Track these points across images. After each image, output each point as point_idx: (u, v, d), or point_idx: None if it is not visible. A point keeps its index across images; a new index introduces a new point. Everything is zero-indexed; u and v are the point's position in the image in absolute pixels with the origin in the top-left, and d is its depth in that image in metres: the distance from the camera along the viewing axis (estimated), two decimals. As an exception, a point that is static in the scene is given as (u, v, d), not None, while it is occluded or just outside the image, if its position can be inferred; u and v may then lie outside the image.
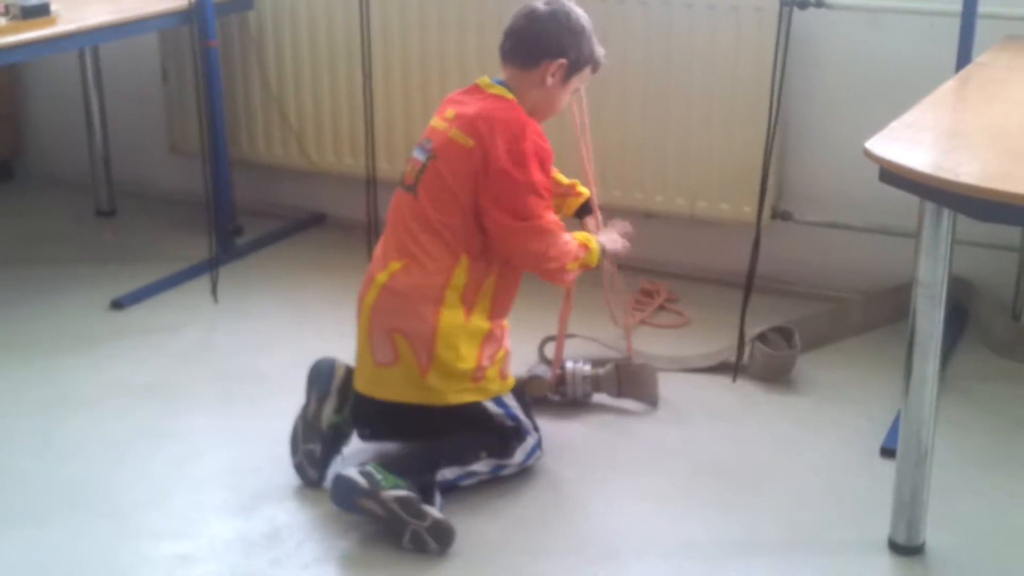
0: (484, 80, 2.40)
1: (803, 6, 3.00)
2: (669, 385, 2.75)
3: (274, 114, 3.76)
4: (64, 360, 2.94)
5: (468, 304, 2.32)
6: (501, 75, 2.41)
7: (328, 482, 2.29)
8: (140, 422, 2.65)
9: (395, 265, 2.32)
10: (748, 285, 2.75)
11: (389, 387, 2.33)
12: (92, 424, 2.64)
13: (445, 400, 2.32)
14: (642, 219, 3.41)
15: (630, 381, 2.71)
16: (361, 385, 2.37)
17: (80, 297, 3.30)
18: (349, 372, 2.42)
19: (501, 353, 2.40)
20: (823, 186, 3.22)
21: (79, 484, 2.40)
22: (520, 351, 2.92)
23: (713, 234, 3.35)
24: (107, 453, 2.51)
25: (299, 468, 2.37)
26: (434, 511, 2.17)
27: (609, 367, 2.71)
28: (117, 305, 3.24)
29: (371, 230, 3.43)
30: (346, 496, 2.20)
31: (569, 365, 2.69)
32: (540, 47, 2.36)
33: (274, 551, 2.19)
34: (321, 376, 2.41)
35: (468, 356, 2.32)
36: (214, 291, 3.23)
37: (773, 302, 2.94)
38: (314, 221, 3.87)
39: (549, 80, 2.37)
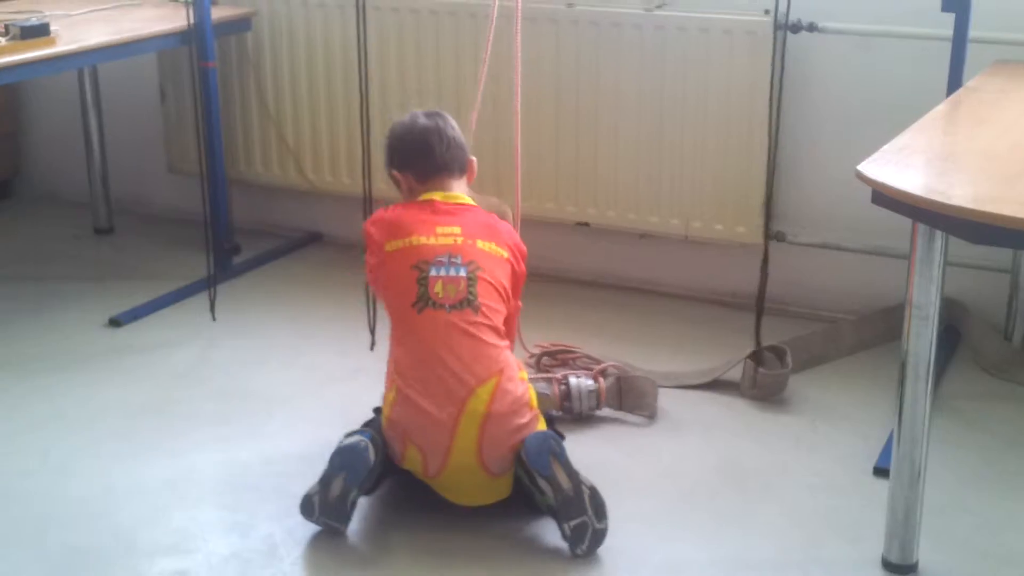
0: (451, 196, 2.46)
1: (795, 30, 3.04)
2: (664, 402, 2.77)
3: (271, 134, 3.79)
4: (62, 377, 2.96)
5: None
6: (456, 186, 2.50)
7: (531, 436, 2.27)
8: (138, 439, 2.66)
9: (484, 391, 2.27)
10: (760, 301, 2.79)
11: (508, 487, 2.34)
12: (90, 441, 2.65)
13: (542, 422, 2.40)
14: (637, 239, 3.44)
15: (631, 393, 2.74)
16: (473, 499, 2.34)
17: (78, 315, 3.32)
18: (379, 453, 2.32)
19: None
20: (816, 208, 3.24)
21: (76, 501, 2.41)
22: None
23: (707, 254, 3.37)
24: (105, 470, 2.52)
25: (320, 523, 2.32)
26: (608, 520, 2.20)
27: (611, 380, 2.73)
28: (115, 323, 3.26)
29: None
30: (547, 454, 2.21)
31: (573, 381, 2.71)
32: (463, 149, 2.52)
33: (271, 568, 2.20)
34: (356, 462, 2.27)
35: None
36: (212, 309, 3.24)
37: (766, 322, 2.96)
38: (311, 240, 3.89)
39: (471, 177, 2.54)
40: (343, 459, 2.26)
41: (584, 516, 2.19)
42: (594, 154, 3.36)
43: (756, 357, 2.86)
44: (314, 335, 3.20)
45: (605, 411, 2.74)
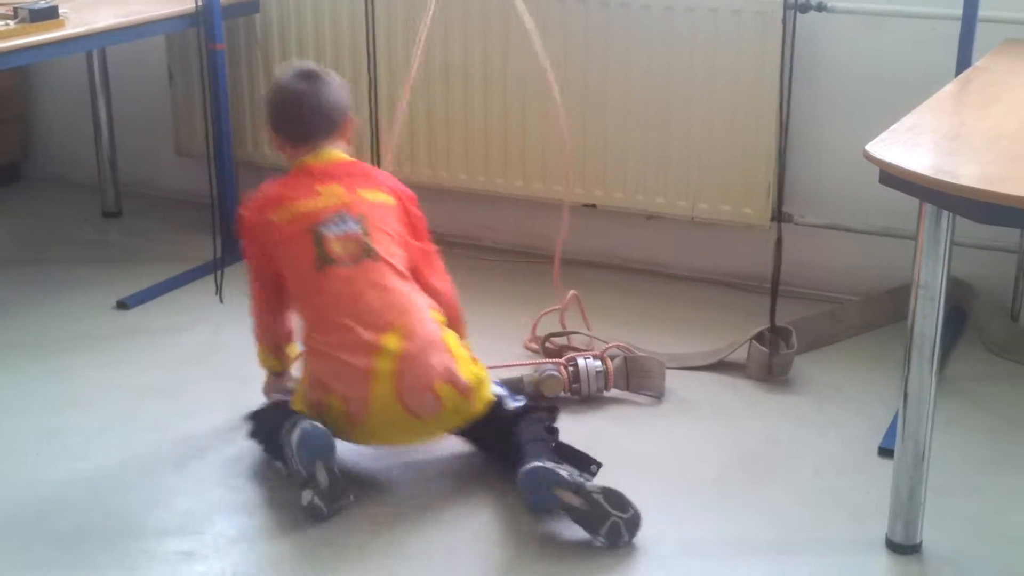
0: (322, 155, 2.48)
1: (804, 10, 3.02)
2: (671, 382, 2.78)
3: (279, 116, 3.78)
4: (70, 360, 2.97)
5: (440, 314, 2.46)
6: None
7: (521, 474, 2.23)
8: (146, 421, 2.67)
9: (392, 339, 2.32)
10: (775, 282, 2.79)
11: (441, 425, 2.40)
12: (98, 423, 2.66)
13: (487, 399, 2.42)
14: (644, 221, 3.44)
15: (639, 374, 2.74)
16: (405, 440, 2.43)
17: (86, 297, 3.33)
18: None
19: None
20: (823, 188, 3.24)
21: (85, 482, 2.42)
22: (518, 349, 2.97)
23: (714, 236, 3.37)
24: (113, 452, 2.53)
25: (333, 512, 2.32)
26: (633, 503, 2.19)
27: (618, 361, 2.74)
28: (123, 305, 3.27)
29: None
30: (547, 487, 2.19)
31: (581, 362, 2.71)
32: (338, 110, 2.51)
33: (278, 549, 2.21)
34: (322, 442, 2.27)
35: (474, 359, 2.45)
36: (219, 292, 3.25)
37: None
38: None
39: (349, 134, 2.56)
40: (309, 447, 2.26)
41: (609, 519, 2.18)
42: (602, 135, 3.36)
43: (762, 338, 2.85)
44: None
45: (613, 392, 2.74)
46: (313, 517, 2.27)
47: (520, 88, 3.41)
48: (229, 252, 3.53)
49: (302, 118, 2.49)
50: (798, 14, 3.04)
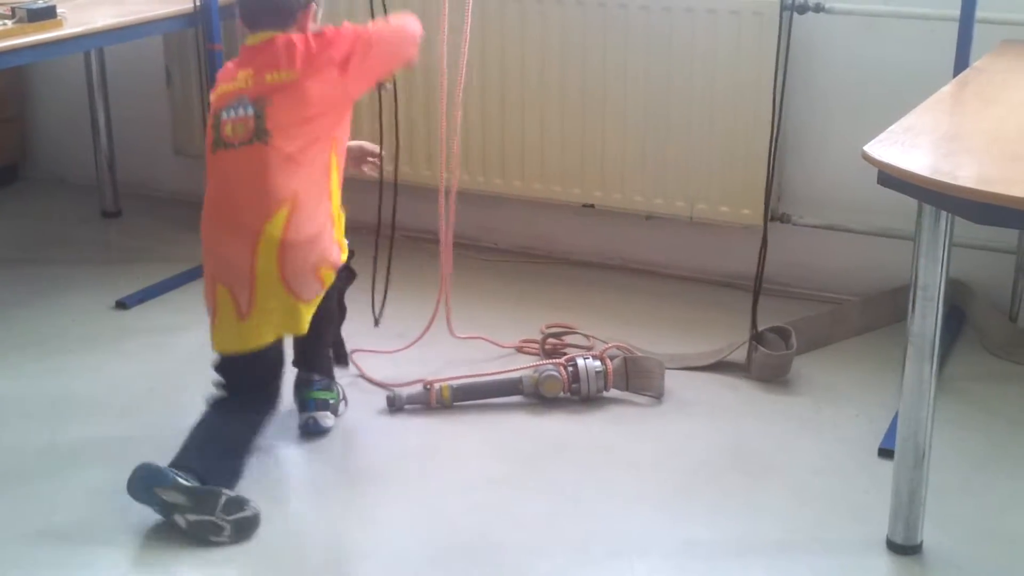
0: (261, 35, 2.42)
1: (802, 11, 3.03)
2: (670, 383, 2.78)
3: (278, 116, 3.78)
4: (69, 360, 2.97)
5: (333, 200, 2.45)
6: None
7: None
8: (144, 422, 2.67)
9: (274, 225, 2.32)
10: (757, 283, 2.79)
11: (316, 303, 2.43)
12: (96, 424, 2.66)
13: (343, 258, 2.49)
14: (642, 221, 3.44)
15: (638, 374, 2.74)
16: (296, 329, 2.41)
17: (85, 298, 3.33)
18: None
19: None
20: (822, 189, 3.24)
21: (84, 483, 2.42)
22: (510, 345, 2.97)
23: (712, 236, 3.37)
24: (111, 452, 2.53)
25: None
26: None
27: (617, 361, 2.74)
28: (122, 306, 3.27)
29: (385, 233, 3.44)
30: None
31: (580, 363, 2.71)
32: (289, 5, 2.44)
33: (275, 548, 2.21)
34: (147, 473, 2.25)
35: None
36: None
37: (771, 303, 2.96)
38: (317, 223, 3.89)
39: (310, 26, 2.47)
40: (136, 486, 2.25)
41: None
42: (600, 136, 3.36)
43: (761, 339, 2.86)
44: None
45: (612, 392, 2.75)
46: (214, 538, 2.22)
47: (518, 88, 3.42)
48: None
49: (252, 2, 2.45)
50: (796, 15, 3.04)
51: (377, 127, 3.45)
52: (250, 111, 2.36)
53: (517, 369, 2.79)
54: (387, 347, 2.95)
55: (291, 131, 2.36)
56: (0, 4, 3.09)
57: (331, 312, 2.60)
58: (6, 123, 4.28)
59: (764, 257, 2.82)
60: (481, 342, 3.01)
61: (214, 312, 2.40)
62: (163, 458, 2.50)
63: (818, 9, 3.03)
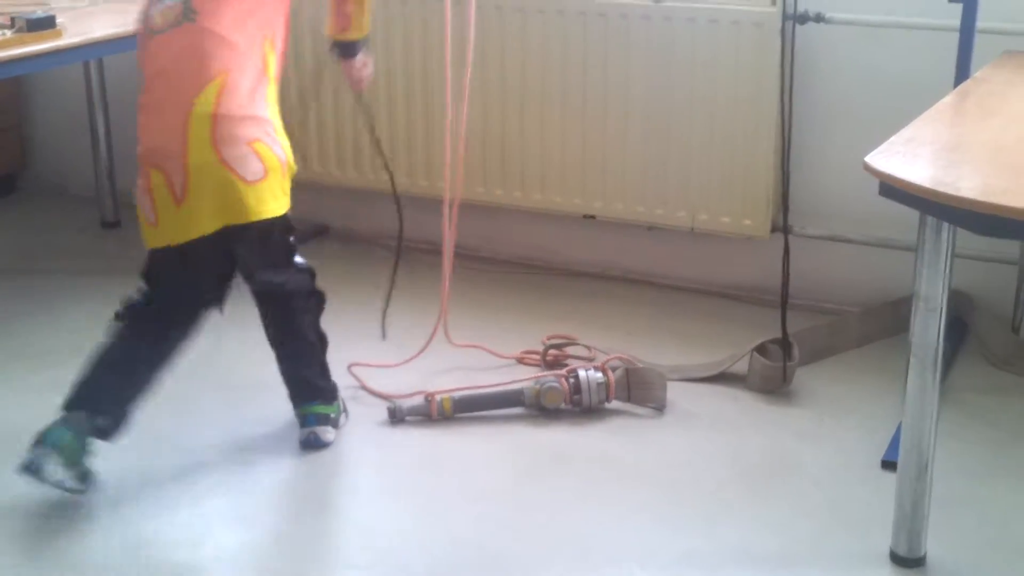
0: None
1: (803, 21, 3.03)
2: (672, 394, 2.77)
3: (278, 127, 3.78)
4: (70, 372, 2.93)
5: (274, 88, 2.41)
6: None
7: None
8: (146, 433, 2.65)
9: (206, 97, 2.29)
10: (784, 293, 2.79)
11: (266, 202, 2.36)
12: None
13: (288, 203, 2.43)
14: (644, 232, 3.43)
15: (640, 385, 2.73)
16: (238, 215, 2.33)
17: (86, 309, 3.31)
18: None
19: None
20: (823, 200, 3.24)
21: (85, 493, 2.41)
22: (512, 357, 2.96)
23: (714, 247, 3.37)
24: (113, 463, 2.52)
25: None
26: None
27: (619, 372, 2.73)
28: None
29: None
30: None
31: (582, 374, 2.71)
32: None
33: (276, 561, 2.20)
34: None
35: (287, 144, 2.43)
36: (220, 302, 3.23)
37: (773, 314, 2.95)
38: (317, 233, 3.88)
39: None
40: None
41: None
42: (601, 146, 3.36)
43: (763, 350, 2.85)
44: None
45: (614, 404, 2.74)
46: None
47: (518, 98, 3.41)
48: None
49: None
50: (797, 25, 3.04)
51: (375, 137, 3.46)
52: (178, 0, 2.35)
53: (518, 380, 2.78)
54: (387, 358, 2.95)
55: (218, 10, 2.33)
56: None
57: (307, 345, 2.57)
58: (5, 133, 4.27)
59: (788, 267, 2.80)
60: (481, 352, 3.00)
61: (151, 204, 2.34)
62: (164, 468, 2.50)
63: (819, 19, 3.03)
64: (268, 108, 2.37)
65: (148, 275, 2.43)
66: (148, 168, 2.34)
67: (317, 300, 2.60)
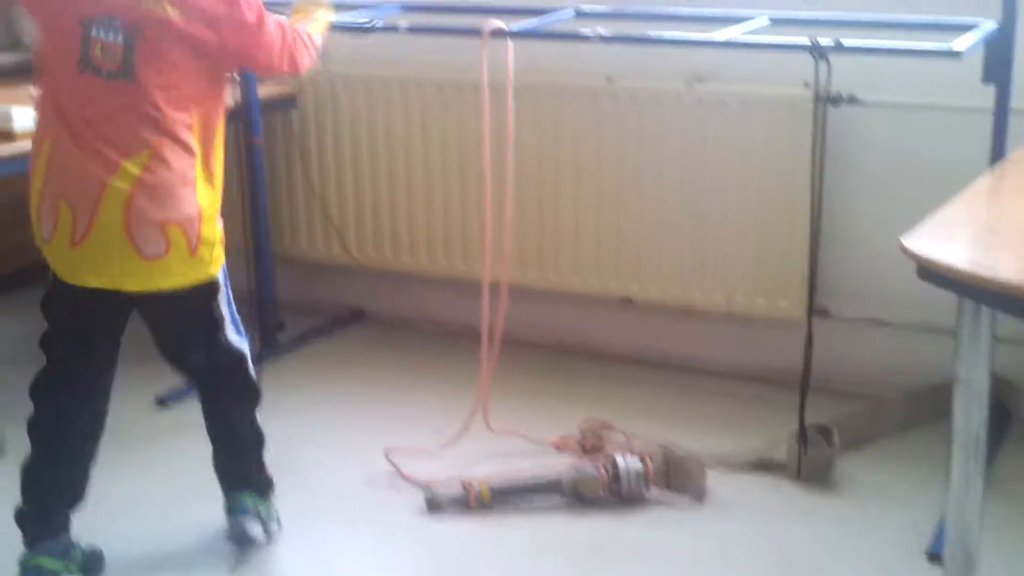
0: None
1: (836, 103, 3.02)
2: (711, 482, 2.73)
3: (316, 210, 3.82)
4: (109, 458, 2.93)
5: (208, 171, 2.32)
6: None
7: None
8: (183, 520, 2.65)
9: (132, 166, 2.21)
10: (805, 380, 2.75)
11: (163, 276, 2.29)
12: (137, 522, 2.65)
13: (210, 273, 2.34)
14: (680, 315, 3.41)
15: (679, 473, 2.70)
16: (126, 282, 2.28)
17: (124, 394, 3.29)
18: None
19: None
20: (860, 282, 3.21)
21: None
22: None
23: (751, 330, 3.34)
24: (152, 551, 2.51)
25: None
26: None
27: (658, 460, 2.70)
28: (161, 403, 3.27)
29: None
30: None
31: (620, 461, 2.67)
32: None
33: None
34: None
35: (216, 225, 2.35)
36: (255, 359, 3.23)
37: (811, 400, 2.91)
38: (354, 317, 3.90)
39: None
40: None
41: None
42: (637, 229, 3.36)
43: (802, 437, 2.81)
44: (355, 412, 3.20)
45: (653, 492, 2.70)
46: None
47: (553, 181, 3.42)
48: (268, 346, 3.56)
49: None
50: (830, 107, 3.03)
51: (410, 221, 3.48)
52: (120, 39, 2.19)
53: (556, 468, 2.75)
54: (423, 443, 2.93)
55: (156, 76, 2.21)
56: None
57: (236, 439, 2.52)
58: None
59: (810, 354, 2.77)
60: (518, 437, 2.98)
61: (52, 227, 2.27)
62: (202, 557, 2.49)
63: (852, 101, 3.03)
64: (194, 189, 2.29)
65: (46, 315, 2.39)
66: (59, 199, 2.26)
67: (252, 392, 2.51)
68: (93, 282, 2.29)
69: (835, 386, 3.20)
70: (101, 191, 2.22)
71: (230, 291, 2.43)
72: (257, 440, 2.52)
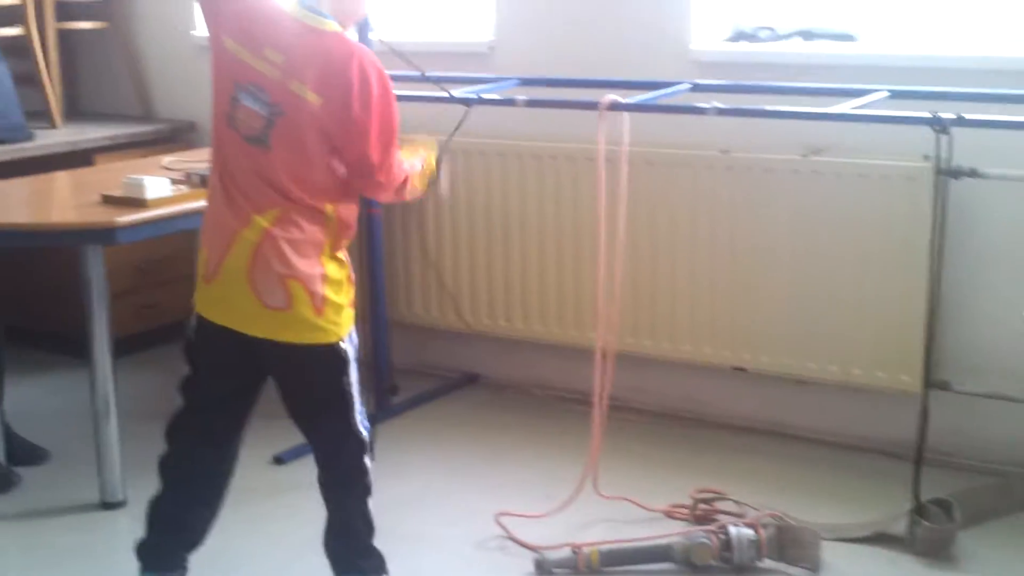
0: (309, 13, 2.28)
1: (956, 175, 2.99)
2: (826, 554, 2.68)
3: (431, 277, 3.89)
4: (225, 511, 3.01)
5: (336, 247, 2.38)
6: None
7: None
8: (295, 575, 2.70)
9: (262, 220, 2.29)
10: (919, 452, 2.71)
11: (285, 329, 2.33)
12: (252, 577, 2.71)
13: (338, 336, 2.36)
14: (794, 385, 3.38)
15: (793, 544, 2.66)
16: (249, 327, 2.34)
17: (244, 452, 3.40)
18: None
19: (352, 290, 2.44)
20: (982, 355, 3.15)
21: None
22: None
23: (868, 402, 3.29)
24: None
25: None
26: None
27: (771, 530, 2.67)
28: (279, 460, 3.34)
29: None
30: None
31: (732, 530, 2.66)
32: None
33: None
34: None
35: (344, 293, 2.39)
36: (372, 449, 3.29)
37: (931, 474, 2.85)
38: (467, 381, 3.95)
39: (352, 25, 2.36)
40: None
41: None
42: (751, 298, 3.35)
43: (922, 511, 2.75)
44: (468, 475, 3.22)
45: (766, 562, 2.67)
46: None
47: (668, 249, 3.44)
48: (382, 409, 3.62)
49: None
50: (950, 180, 3.01)
51: (523, 288, 3.53)
52: (263, 111, 2.27)
53: (667, 535, 2.74)
54: (533, 507, 2.94)
55: (289, 152, 2.28)
56: (176, 170, 3.30)
57: (350, 525, 2.50)
58: (177, 283, 4.47)
59: (926, 427, 2.73)
60: (629, 504, 2.97)
61: (197, 264, 2.42)
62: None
63: (973, 174, 2.99)
64: (321, 253, 2.34)
65: (187, 358, 2.48)
66: (204, 238, 2.41)
67: (365, 485, 2.50)
68: (220, 319, 2.38)
69: (957, 461, 3.13)
70: (233, 238, 2.32)
71: (358, 377, 2.45)
72: (367, 529, 2.50)
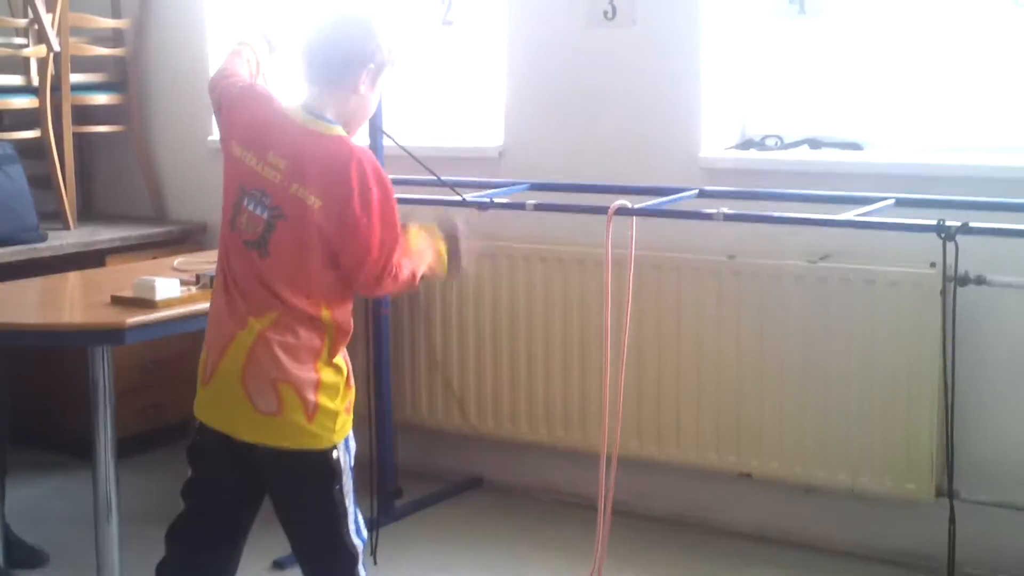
0: (312, 117, 2.31)
1: (963, 283, 3.00)
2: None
3: (438, 379, 3.88)
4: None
5: (333, 350, 2.35)
6: (327, 110, 2.33)
7: None
8: None
9: (258, 324, 2.29)
10: (951, 566, 2.67)
11: (275, 433, 2.31)
12: None
13: (331, 442, 2.33)
14: (801, 493, 3.35)
15: None
16: (242, 431, 2.34)
17: (243, 555, 3.37)
18: None
19: (351, 395, 2.41)
20: (992, 464, 3.11)
21: None
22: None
23: (875, 511, 3.25)
24: None
25: None
26: None
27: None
28: (279, 565, 3.30)
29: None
30: None
31: None
32: (348, 59, 2.32)
33: None
34: None
35: (339, 399, 2.36)
36: (374, 553, 3.26)
37: (943, 585, 2.82)
38: (471, 485, 3.91)
39: (362, 89, 2.35)
40: None
41: None
42: (757, 404, 3.33)
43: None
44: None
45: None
46: None
47: (674, 354, 3.43)
48: (384, 513, 3.58)
49: (306, 56, 2.34)
50: (958, 287, 3.02)
51: (530, 391, 3.51)
52: (264, 215, 2.29)
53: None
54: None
55: (288, 256, 2.29)
56: (186, 272, 3.32)
57: None
58: (186, 382, 4.47)
59: (954, 538, 2.68)
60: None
61: (198, 367, 2.43)
62: None
63: (980, 282, 3.01)
64: (317, 359, 2.33)
65: (190, 462, 2.48)
66: (206, 339, 2.41)
67: None
68: (214, 422, 2.39)
69: (967, 570, 3.08)
70: (230, 340, 2.33)
71: (354, 487, 2.41)
72: None
